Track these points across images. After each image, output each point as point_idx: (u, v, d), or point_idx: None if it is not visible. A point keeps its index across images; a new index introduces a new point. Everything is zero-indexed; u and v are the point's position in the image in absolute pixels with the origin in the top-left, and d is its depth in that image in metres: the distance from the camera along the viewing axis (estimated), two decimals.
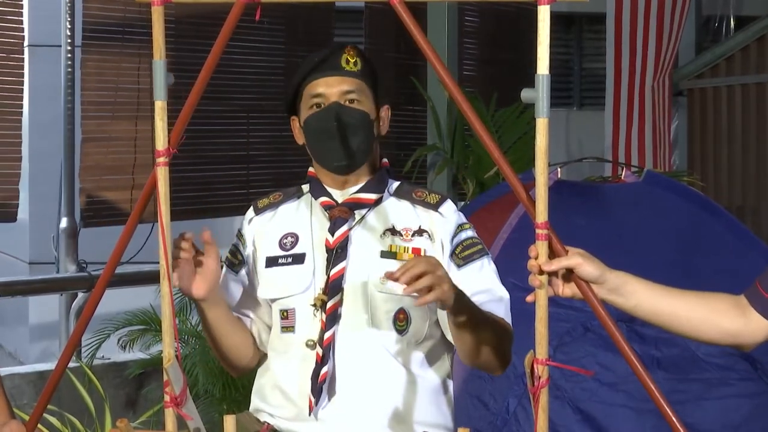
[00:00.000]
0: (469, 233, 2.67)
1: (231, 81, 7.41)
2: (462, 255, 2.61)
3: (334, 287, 2.59)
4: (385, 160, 2.75)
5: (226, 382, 5.41)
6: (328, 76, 2.66)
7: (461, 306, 2.45)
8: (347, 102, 2.65)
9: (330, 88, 2.65)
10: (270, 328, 2.70)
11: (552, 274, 2.19)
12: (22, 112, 6.96)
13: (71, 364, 5.76)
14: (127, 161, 6.96)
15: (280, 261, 2.66)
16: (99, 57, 6.90)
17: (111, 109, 6.95)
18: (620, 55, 8.17)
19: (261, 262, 2.69)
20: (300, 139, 2.74)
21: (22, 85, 6.94)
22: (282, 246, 2.67)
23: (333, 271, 2.59)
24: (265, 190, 2.81)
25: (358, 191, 2.67)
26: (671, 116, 8.57)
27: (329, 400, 2.58)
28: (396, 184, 2.73)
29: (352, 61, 2.68)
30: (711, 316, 2.25)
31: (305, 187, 2.75)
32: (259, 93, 7.68)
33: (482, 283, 2.59)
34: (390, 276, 2.35)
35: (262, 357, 2.72)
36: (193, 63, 6.23)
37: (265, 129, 7.75)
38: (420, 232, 2.64)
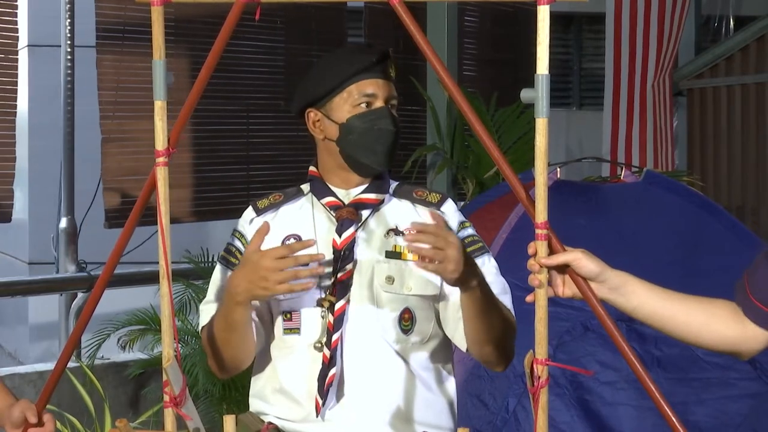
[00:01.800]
0: (470, 231, 2.68)
1: (230, 80, 7.41)
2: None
3: (341, 289, 2.58)
4: None
5: (226, 383, 5.40)
6: (380, 79, 2.66)
7: (473, 286, 2.45)
8: (391, 107, 2.67)
9: (381, 91, 2.66)
10: (267, 328, 2.68)
11: (551, 271, 2.19)
12: (15, 112, 6.94)
13: (71, 364, 5.77)
14: (150, 161, 6.93)
15: None
16: (114, 57, 6.88)
17: (132, 108, 6.94)
18: (619, 54, 8.16)
19: None
20: (321, 133, 2.70)
21: (16, 86, 6.93)
22: None
23: (341, 273, 2.58)
24: (266, 192, 2.78)
25: (364, 191, 2.67)
26: (672, 116, 8.55)
27: (337, 401, 2.58)
28: (395, 184, 2.73)
29: (393, 68, 2.70)
30: (710, 322, 2.24)
31: (305, 187, 2.72)
32: (259, 92, 7.67)
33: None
34: (408, 235, 2.38)
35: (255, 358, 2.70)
36: (200, 63, 6.20)
37: (266, 129, 7.74)
38: None
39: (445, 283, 2.57)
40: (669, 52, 8.29)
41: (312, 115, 2.70)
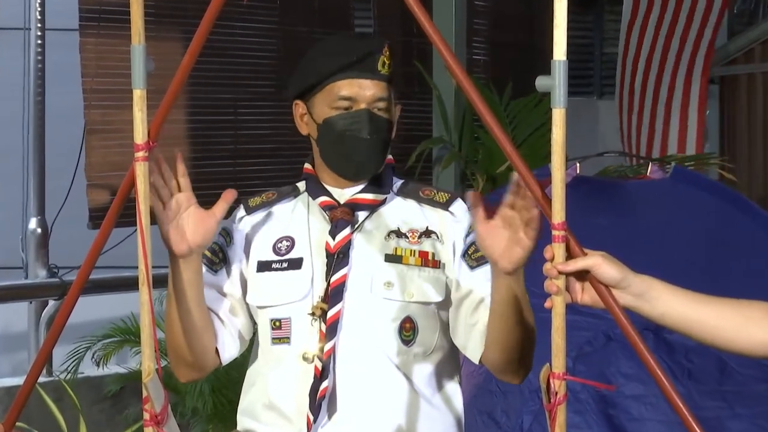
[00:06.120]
0: None
1: (217, 67, 7.38)
2: (475, 256, 2.60)
3: (335, 295, 2.58)
4: (389, 157, 2.74)
5: (216, 399, 5.41)
6: (362, 78, 2.63)
7: (519, 276, 2.39)
8: (376, 110, 2.64)
9: (362, 92, 2.63)
10: (242, 337, 2.68)
11: (570, 277, 2.19)
12: None
13: (42, 379, 5.76)
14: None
15: (273, 266, 2.65)
16: (96, 40, 6.86)
17: (118, 97, 6.90)
18: (641, 38, 8.13)
19: (252, 266, 2.68)
20: (305, 129, 2.72)
21: None
22: (276, 250, 2.66)
23: (334, 278, 2.59)
24: (255, 189, 2.79)
25: (362, 191, 2.67)
26: (704, 105, 8.49)
27: (329, 417, 2.58)
28: (400, 182, 2.72)
29: (387, 63, 2.66)
30: (745, 325, 2.24)
31: (301, 186, 2.73)
32: (249, 80, 7.64)
33: None
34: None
35: (242, 365, 2.71)
36: (187, 47, 6.18)
37: (255, 121, 7.72)
38: (428, 233, 2.64)
39: (459, 284, 2.57)
40: (704, 36, 8.23)
41: (299, 108, 2.71)
